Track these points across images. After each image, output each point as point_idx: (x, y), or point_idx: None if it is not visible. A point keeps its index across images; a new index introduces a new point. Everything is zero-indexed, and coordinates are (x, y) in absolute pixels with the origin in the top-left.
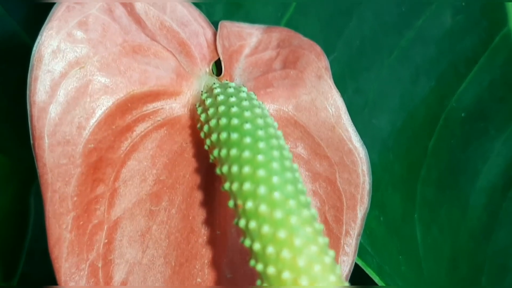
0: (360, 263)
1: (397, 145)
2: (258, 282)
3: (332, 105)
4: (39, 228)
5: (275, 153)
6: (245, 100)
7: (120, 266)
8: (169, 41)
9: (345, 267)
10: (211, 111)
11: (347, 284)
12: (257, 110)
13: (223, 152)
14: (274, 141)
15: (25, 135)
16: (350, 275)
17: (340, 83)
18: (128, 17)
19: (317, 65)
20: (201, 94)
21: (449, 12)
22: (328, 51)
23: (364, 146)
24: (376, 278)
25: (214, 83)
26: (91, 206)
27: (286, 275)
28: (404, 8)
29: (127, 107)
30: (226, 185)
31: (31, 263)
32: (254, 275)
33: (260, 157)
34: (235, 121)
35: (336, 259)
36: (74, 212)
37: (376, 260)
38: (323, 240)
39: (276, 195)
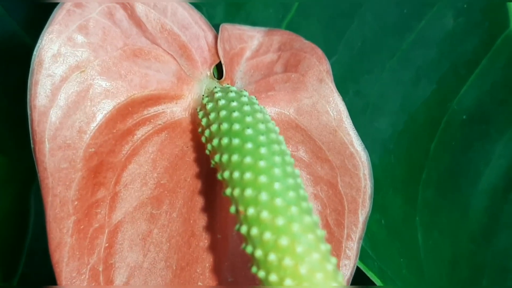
0: (362, 267)
1: (398, 147)
2: None
3: (333, 108)
4: (39, 228)
5: (277, 159)
6: (247, 104)
7: (121, 270)
8: (170, 44)
9: (347, 270)
10: (212, 115)
11: None
12: (259, 115)
13: (225, 157)
14: (275, 147)
15: (25, 135)
16: (351, 278)
17: (341, 85)
18: (128, 21)
19: (318, 68)
20: (202, 98)
21: (450, 14)
22: (329, 54)
23: (366, 150)
24: (377, 282)
25: (215, 87)
26: (92, 210)
27: (288, 282)
28: (406, 10)
29: (128, 111)
30: (228, 191)
31: (31, 263)
32: (255, 278)
33: (261, 163)
34: (236, 126)
35: (337, 263)
36: (75, 216)
37: (377, 263)
38: (325, 247)
39: (278, 201)
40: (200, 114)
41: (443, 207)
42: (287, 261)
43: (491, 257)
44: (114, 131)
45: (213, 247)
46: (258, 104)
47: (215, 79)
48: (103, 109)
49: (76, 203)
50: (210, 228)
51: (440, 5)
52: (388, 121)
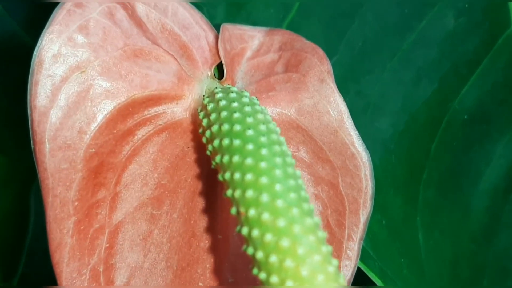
0: (362, 267)
1: (399, 147)
2: None
3: (334, 109)
4: (39, 228)
5: (278, 160)
6: (248, 105)
7: (122, 270)
8: (170, 44)
9: (348, 271)
10: (213, 116)
11: None
12: (260, 116)
13: (226, 158)
14: (276, 148)
15: (25, 135)
16: (352, 279)
17: (342, 85)
18: (129, 21)
19: (319, 68)
20: (203, 99)
21: (451, 14)
22: (330, 54)
23: (367, 151)
24: (378, 282)
25: (216, 87)
26: (92, 210)
27: (290, 284)
28: (406, 10)
29: (129, 111)
30: (229, 192)
31: (31, 263)
32: (256, 279)
33: (262, 164)
34: (237, 127)
35: (338, 264)
36: (75, 216)
37: (378, 263)
38: (327, 248)
39: (279, 203)
40: (201, 114)
41: (444, 207)
42: (288, 263)
43: (492, 257)
44: (115, 131)
45: (214, 248)
46: (259, 105)
47: (216, 79)
48: (104, 109)
49: (76, 203)
50: (211, 228)
51: (441, 5)
52: (389, 121)
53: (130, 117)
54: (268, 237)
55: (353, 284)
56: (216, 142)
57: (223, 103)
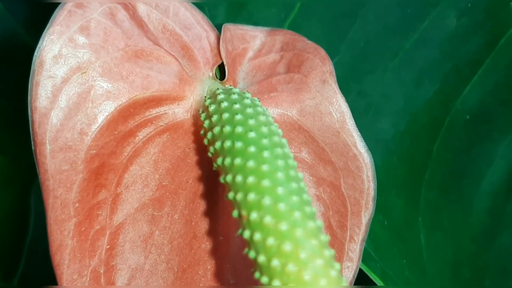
0: (364, 268)
1: (401, 148)
2: None
3: (337, 110)
4: (39, 228)
5: (280, 163)
6: (249, 107)
7: (122, 272)
8: (171, 45)
9: (349, 273)
10: (214, 118)
11: None
12: (262, 118)
13: (227, 160)
14: (278, 150)
15: (25, 135)
16: (354, 281)
17: (344, 86)
18: (130, 21)
19: (321, 69)
20: (205, 100)
21: (453, 14)
22: (331, 54)
23: (369, 152)
24: (379, 283)
25: (217, 88)
26: (93, 212)
27: None
28: (408, 10)
29: (130, 113)
30: (230, 195)
31: (31, 263)
32: (257, 281)
33: (265, 167)
34: (239, 129)
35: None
36: (76, 218)
37: (379, 264)
38: (329, 252)
39: (281, 206)
40: (203, 116)
41: (445, 208)
42: (291, 267)
43: (494, 258)
44: (116, 132)
45: (215, 249)
46: (261, 106)
47: (218, 80)
48: (105, 110)
49: (77, 205)
50: (212, 230)
51: (443, 5)
52: (391, 122)
53: (131, 118)
54: (270, 241)
55: (354, 285)
56: (217, 144)
57: (224, 104)
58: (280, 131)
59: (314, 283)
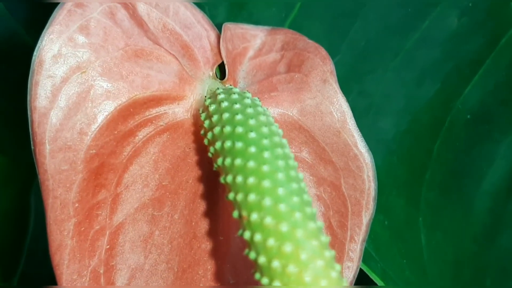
0: (364, 268)
1: (401, 148)
2: None
3: (337, 110)
4: (39, 228)
5: (280, 163)
6: (250, 107)
7: (122, 272)
8: (172, 44)
9: (350, 273)
10: (215, 118)
11: None
12: (262, 118)
13: (228, 161)
14: (279, 151)
15: (25, 135)
16: (354, 281)
17: (344, 85)
18: (130, 20)
19: (322, 69)
20: (205, 99)
21: (454, 13)
22: (332, 53)
23: (370, 152)
24: (380, 283)
25: (218, 88)
26: (92, 212)
27: None
28: (409, 9)
29: (130, 112)
30: (231, 195)
31: (31, 263)
32: (257, 281)
33: (265, 168)
34: (239, 129)
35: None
36: (76, 218)
37: (380, 265)
38: (330, 253)
39: (282, 207)
40: (203, 115)
41: (446, 208)
42: (291, 268)
43: (494, 258)
44: (115, 132)
45: (215, 250)
46: (261, 106)
47: (218, 79)
48: (104, 110)
49: (76, 205)
50: (212, 230)
51: (444, 5)
52: (392, 121)
53: (131, 118)
54: (271, 241)
55: (354, 285)
56: (218, 144)
57: (225, 104)
58: (280, 131)
59: (314, 284)
